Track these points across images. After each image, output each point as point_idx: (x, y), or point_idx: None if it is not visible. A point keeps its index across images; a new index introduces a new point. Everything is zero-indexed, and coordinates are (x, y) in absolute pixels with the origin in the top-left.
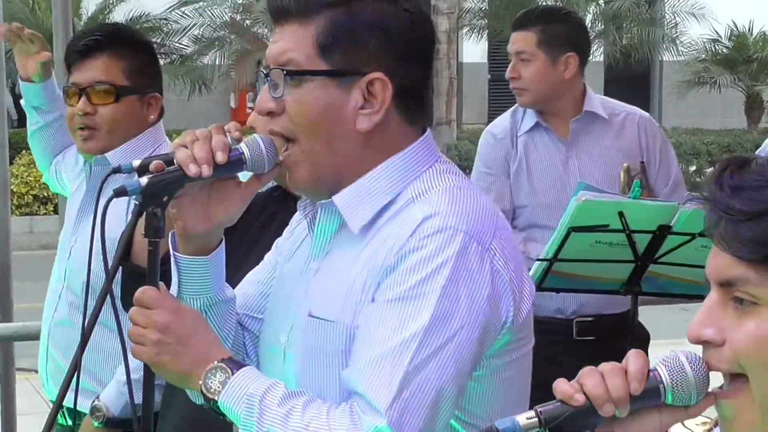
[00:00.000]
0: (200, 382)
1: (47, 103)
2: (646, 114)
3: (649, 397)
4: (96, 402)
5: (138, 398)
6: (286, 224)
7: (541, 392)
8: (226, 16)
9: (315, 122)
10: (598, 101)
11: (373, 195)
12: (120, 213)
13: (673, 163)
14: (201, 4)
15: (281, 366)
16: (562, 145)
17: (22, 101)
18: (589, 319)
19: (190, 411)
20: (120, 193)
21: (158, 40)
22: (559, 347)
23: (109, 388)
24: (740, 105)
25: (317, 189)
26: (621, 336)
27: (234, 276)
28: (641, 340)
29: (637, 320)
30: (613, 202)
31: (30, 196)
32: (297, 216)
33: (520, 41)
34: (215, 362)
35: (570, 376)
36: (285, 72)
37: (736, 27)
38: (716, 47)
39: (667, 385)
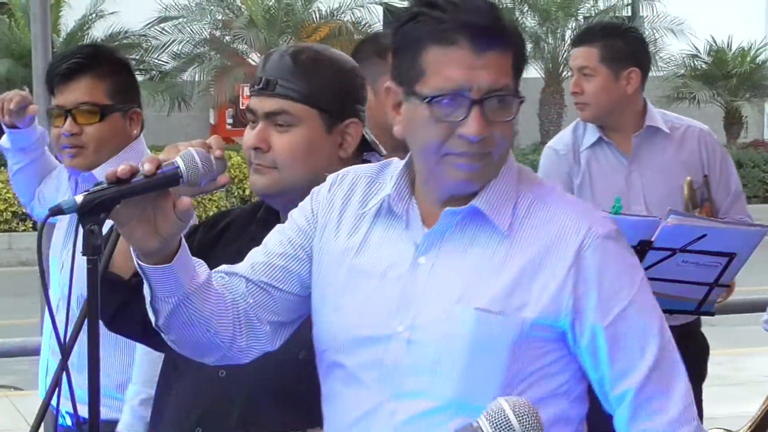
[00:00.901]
0: None
1: (34, 143)
2: (706, 127)
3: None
4: None
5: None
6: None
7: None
8: (205, 33)
9: None
10: (658, 115)
11: (506, 197)
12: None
13: (733, 175)
14: (180, 20)
15: (401, 352)
16: (624, 159)
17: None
18: None
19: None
20: (56, 211)
21: (137, 57)
22: None
23: (125, 415)
24: (719, 120)
25: None
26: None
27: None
28: (702, 350)
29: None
30: None
31: (9, 213)
32: (350, 211)
33: (583, 57)
34: None
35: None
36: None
37: (715, 42)
38: (695, 63)
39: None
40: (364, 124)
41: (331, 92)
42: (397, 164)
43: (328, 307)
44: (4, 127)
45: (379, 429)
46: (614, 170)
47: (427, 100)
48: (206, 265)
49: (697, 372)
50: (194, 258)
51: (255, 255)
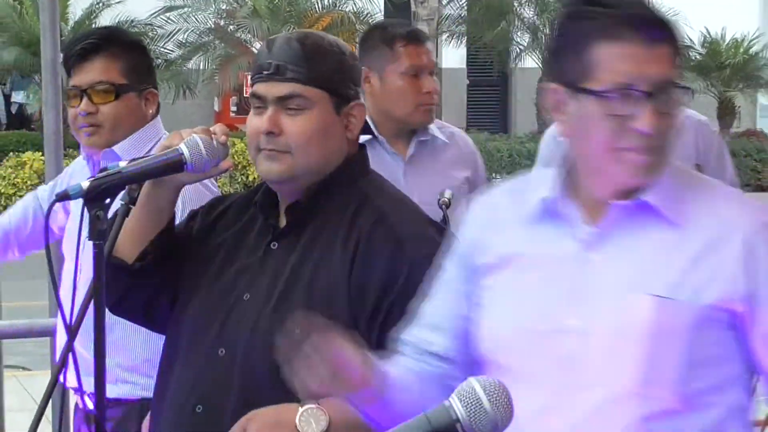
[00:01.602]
0: None
1: None
2: (704, 118)
3: None
4: None
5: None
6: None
7: None
8: (210, 22)
9: None
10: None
11: (673, 189)
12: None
13: (728, 166)
14: (185, 9)
15: (578, 346)
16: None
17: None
18: None
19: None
20: (62, 196)
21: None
22: None
23: None
24: (713, 110)
25: None
26: None
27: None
28: None
29: None
30: None
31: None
32: (500, 225)
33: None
34: None
35: None
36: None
37: (709, 34)
38: (689, 54)
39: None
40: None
41: (338, 76)
42: (539, 171)
43: (495, 310)
44: None
45: (559, 424)
46: None
47: (598, 96)
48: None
49: None
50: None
51: (436, 335)
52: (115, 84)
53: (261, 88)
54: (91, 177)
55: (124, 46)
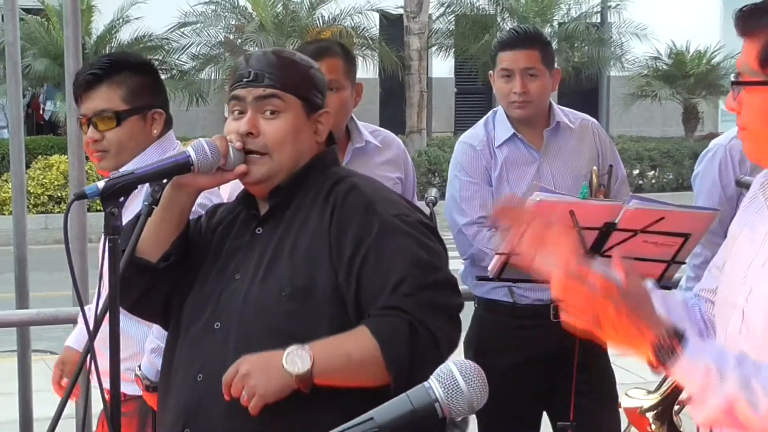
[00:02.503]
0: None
1: None
2: (594, 119)
3: None
4: (137, 371)
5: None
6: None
7: (532, 364)
8: (220, 36)
9: None
10: (559, 111)
11: None
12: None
13: (620, 163)
14: (198, 25)
15: (738, 322)
16: (536, 153)
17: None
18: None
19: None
20: (80, 195)
21: (160, 57)
22: (539, 329)
23: (143, 359)
24: (678, 116)
25: None
26: None
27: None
28: None
29: None
30: (564, 202)
31: (45, 196)
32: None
33: (527, 59)
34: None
35: (552, 351)
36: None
37: (675, 46)
38: (657, 64)
39: None
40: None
41: (307, 85)
42: None
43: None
44: None
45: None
46: (527, 163)
47: None
48: None
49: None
50: None
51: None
52: (116, 111)
53: (241, 92)
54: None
55: (126, 72)
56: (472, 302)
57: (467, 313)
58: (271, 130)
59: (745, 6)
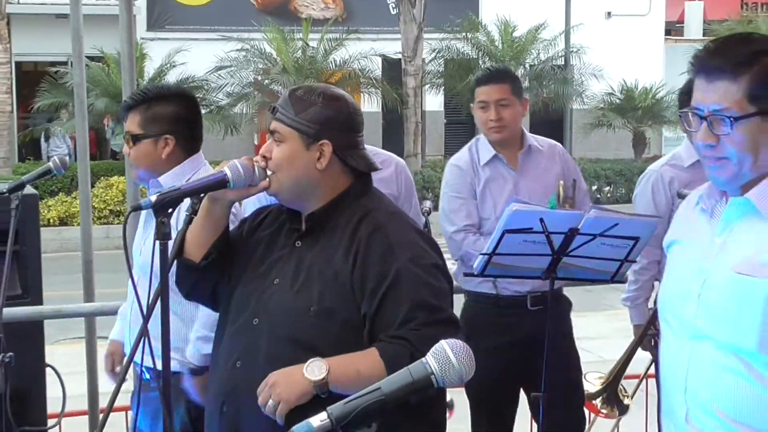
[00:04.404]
0: None
1: None
2: (560, 143)
3: None
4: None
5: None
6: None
7: (511, 345)
8: (250, 77)
9: None
10: (530, 137)
11: None
12: (180, 219)
13: (581, 178)
14: (232, 68)
15: (695, 306)
16: (513, 171)
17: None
18: (538, 294)
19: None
20: (135, 207)
21: (201, 95)
22: (518, 316)
23: (189, 347)
24: (629, 141)
25: None
26: (557, 304)
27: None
28: (567, 306)
29: (562, 294)
30: (536, 211)
31: (107, 210)
32: (694, 211)
33: (500, 91)
34: None
35: (528, 334)
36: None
37: (626, 84)
38: (611, 99)
39: None
40: (345, 144)
41: (309, 120)
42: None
43: (662, 282)
44: None
45: (682, 360)
46: (506, 180)
47: None
48: None
49: (566, 324)
50: None
51: None
52: (133, 134)
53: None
54: (155, 192)
55: (147, 102)
56: (462, 295)
57: (458, 304)
58: (274, 155)
59: (712, 59)
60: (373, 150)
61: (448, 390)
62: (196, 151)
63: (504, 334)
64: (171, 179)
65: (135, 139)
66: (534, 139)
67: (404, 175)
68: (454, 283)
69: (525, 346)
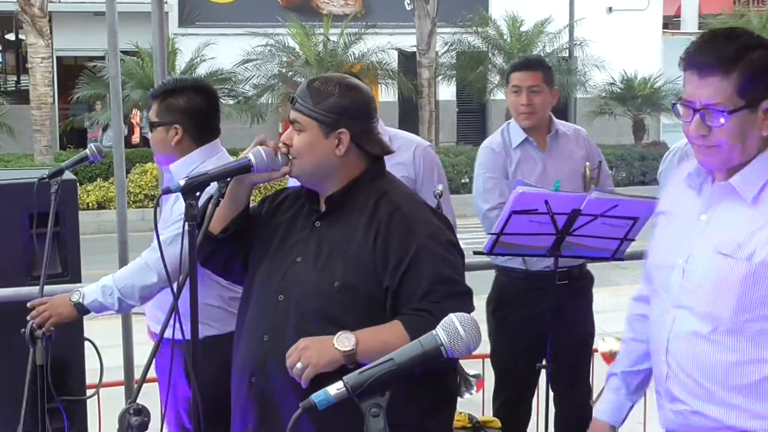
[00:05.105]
0: None
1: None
2: (584, 129)
3: None
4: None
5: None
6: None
7: (536, 317)
8: (275, 70)
9: None
10: (557, 122)
11: (757, 176)
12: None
13: (604, 161)
14: (258, 61)
15: (679, 278)
16: (541, 153)
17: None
18: (564, 269)
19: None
20: (166, 191)
21: (229, 87)
22: (546, 289)
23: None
24: (629, 128)
25: None
26: (581, 279)
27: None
28: (590, 282)
29: (587, 270)
30: (541, 193)
31: (142, 195)
32: (680, 188)
33: (532, 78)
34: None
35: (552, 307)
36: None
37: (626, 74)
38: (612, 88)
39: None
40: (361, 131)
41: (327, 109)
42: None
43: (650, 247)
44: None
45: (666, 325)
46: (535, 161)
47: None
48: None
49: (588, 298)
50: None
51: None
52: (151, 122)
53: (289, 112)
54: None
55: (164, 94)
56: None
57: (490, 278)
58: (295, 143)
59: (702, 56)
60: (395, 133)
61: (474, 365)
62: (207, 142)
63: (530, 306)
64: (180, 167)
65: (151, 126)
66: (560, 124)
67: (424, 159)
68: (488, 258)
69: (549, 319)
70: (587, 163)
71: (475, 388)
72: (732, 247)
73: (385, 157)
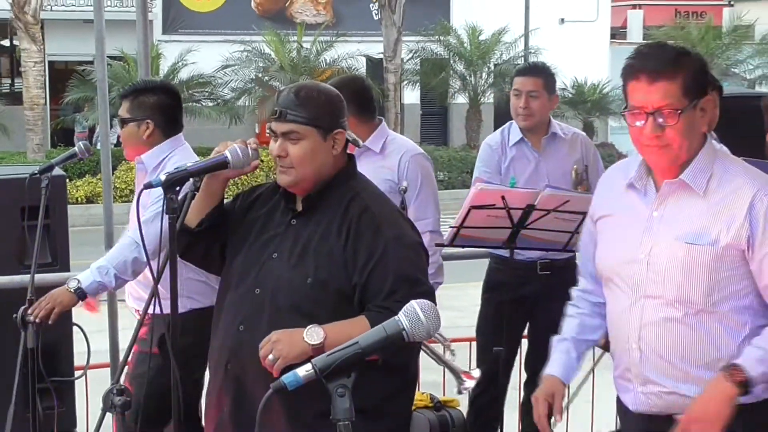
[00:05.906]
0: None
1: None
2: (584, 134)
3: None
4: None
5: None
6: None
7: (518, 302)
8: (252, 75)
9: None
10: (556, 125)
11: (703, 170)
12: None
13: (600, 165)
14: (236, 66)
15: (644, 271)
16: (536, 153)
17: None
18: (547, 261)
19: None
20: (147, 186)
21: (209, 90)
22: (528, 277)
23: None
24: (579, 130)
25: None
26: (567, 270)
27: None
28: (574, 273)
29: (573, 262)
30: (498, 190)
31: (128, 190)
32: (619, 186)
33: (532, 83)
34: None
35: (532, 294)
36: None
37: (577, 80)
38: (564, 93)
39: None
40: (346, 129)
41: (322, 114)
42: (636, 158)
43: (600, 248)
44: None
45: (635, 315)
46: (529, 160)
47: None
48: None
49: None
50: None
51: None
52: (122, 118)
53: (273, 125)
54: (165, 172)
55: (135, 93)
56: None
57: (485, 266)
58: (294, 153)
59: (648, 64)
60: (393, 138)
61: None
62: (175, 134)
63: (515, 291)
64: (151, 157)
65: (123, 122)
66: (559, 128)
67: (409, 166)
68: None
69: (528, 304)
70: (575, 166)
71: (466, 383)
72: (694, 236)
73: (373, 160)
